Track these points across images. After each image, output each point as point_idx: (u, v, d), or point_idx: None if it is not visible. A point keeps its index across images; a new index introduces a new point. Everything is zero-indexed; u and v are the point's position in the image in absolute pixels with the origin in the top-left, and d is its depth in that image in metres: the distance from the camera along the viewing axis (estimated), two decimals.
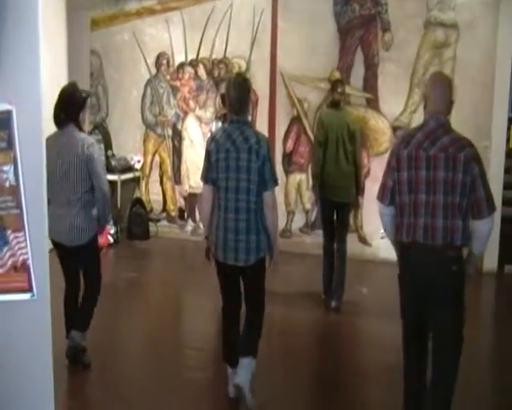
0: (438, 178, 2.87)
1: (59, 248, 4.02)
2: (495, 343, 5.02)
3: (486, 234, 2.97)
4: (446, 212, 2.87)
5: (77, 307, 4.20)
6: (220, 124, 5.53)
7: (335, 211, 5.40)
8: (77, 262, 4.10)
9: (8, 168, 1.84)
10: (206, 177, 3.56)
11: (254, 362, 3.60)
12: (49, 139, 3.81)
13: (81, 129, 4.00)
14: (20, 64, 1.86)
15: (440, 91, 3.01)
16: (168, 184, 8.00)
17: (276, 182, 3.52)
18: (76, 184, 3.90)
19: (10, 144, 1.84)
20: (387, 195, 3.09)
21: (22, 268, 1.90)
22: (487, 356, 4.76)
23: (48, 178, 3.87)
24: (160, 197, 8.05)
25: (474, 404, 3.78)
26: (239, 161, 3.42)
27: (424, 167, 2.91)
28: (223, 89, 5.88)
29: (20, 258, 1.89)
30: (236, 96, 3.48)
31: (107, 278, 6.27)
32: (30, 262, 1.89)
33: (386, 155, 6.63)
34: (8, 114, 1.83)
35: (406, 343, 3.13)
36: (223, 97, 5.68)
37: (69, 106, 3.92)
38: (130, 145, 7.95)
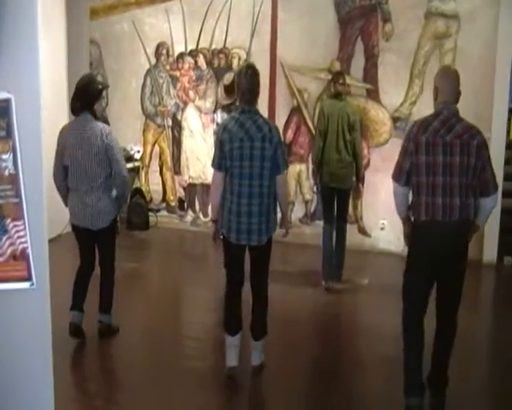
0: (454, 162, 3.23)
1: (82, 231, 4.29)
2: (493, 333, 5.03)
3: (491, 209, 3.40)
4: (462, 191, 3.25)
5: (86, 288, 4.42)
6: (225, 114, 5.62)
7: (335, 197, 5.59)
8: (98, 243, 4.40)
9: (7, 157, 1.84)
10: (219, 164, 3.69)
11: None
12: (64, 128, 4.16)
13: (96, 118, 4.22)
14: (19, 53, 1.85)
15: (451, 83, 3.35)
16: (168, 175, 8.00)
17: (287, 165, 3.84)
18: (97, 172, 4.16)
19: (9, 133, 1.83)
20: (404, 176, 3.37)
21: (21, 257, 1.90)
22: (486, 345, 4.78)
23: (67, 168, 4.11)
24: (160, 187, 8.05)
25: (473, 392, 3.80)
26: (253, 150, 3.61)
27: (441, 152, 3.24)
28: (225, 80, 5.89)
29: (20, 247, 1.89)
30: (249, 86, 3.66)
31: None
32: (29, 251, 1.89)
33: (387, 146, 6.82)
34: (7, 102, 1.82)
35: (412, 311, 3.45)
36: (227, 88, 5.68)
37: (84, 96, 4.14)
38: (130, 135, 7.93)
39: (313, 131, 7.08)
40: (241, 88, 3.66)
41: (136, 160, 7.92)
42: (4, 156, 1.83)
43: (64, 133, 4.18)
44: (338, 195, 5.58)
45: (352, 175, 5.61)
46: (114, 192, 4.28)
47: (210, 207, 3.90)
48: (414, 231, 3.45)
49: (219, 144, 3.67)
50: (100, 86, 4.30)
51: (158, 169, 8.03)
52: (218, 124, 5.60)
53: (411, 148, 3.31)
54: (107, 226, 4.29)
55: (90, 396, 3.72)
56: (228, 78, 5.95)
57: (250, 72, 3.69)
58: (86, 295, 4.40)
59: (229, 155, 3.62)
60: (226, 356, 3.87)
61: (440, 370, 3.49)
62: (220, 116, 5.72)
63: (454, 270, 3.39)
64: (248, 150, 3.60)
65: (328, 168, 5.48)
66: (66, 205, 4.31)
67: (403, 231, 3.60)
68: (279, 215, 3.91)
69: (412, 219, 3.46)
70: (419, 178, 3.30)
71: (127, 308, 5.09)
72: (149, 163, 8.05)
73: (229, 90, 5.67)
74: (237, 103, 5.46)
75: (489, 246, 6.52)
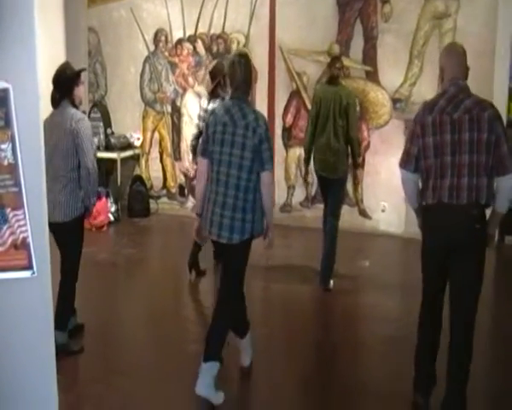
0: (463, 139, 3.00)
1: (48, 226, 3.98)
2: (494, 313, 5.05)
3: (510, 189, 3.07)
4: (472, 170, 2.99)
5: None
6: (206, 100, 5.53)
7: (327, 188, 5.37)
8: (56, 241, 3.84)
9: (6, 146, 1.84)
10: (204, 150, 3.53)
11: (216, 366, 3.49)
12: (45, 121, 3.80)
13: (74, 105, 3.98)
14: (17, 42, 1.85)
15: (457, 59, 3.19)
16: (168, 161, 7.99)
17: (272, 164, 3.48)
18: (63, 160, 3.86)
19: (8, 122, 1.84)
20: (412, 162, 3.17)
21: (22, 246, 1.91)
22: (487, 325, 4.80)
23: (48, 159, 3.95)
24: (160, 174, 8.05)
25: (474, 371, 3.82)
26: (235, 136, 3.40)
27: (449, 131, 3.03)
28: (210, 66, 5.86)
29: (20, 236, 1.91)
30: (243, 76, 3.49)
31: (108, 254, 6.37)
32: (30, 240, 1.90)
33: (386, 128, 6.81)
34: (5, 92, 1.82)
35: (426, 299, 3.30)
36: (212, 74, 5.60)
37: (60, 84, 3.93)
38: (130, 123, 7.92)
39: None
40: (236, 79, 3.48)
41: (135, 147, 7.91)
42: (3, 146, 1.83)
43: (44, 126, 3.83)
44: (329, 185, 5.31)
45: (344, 164, 5.27)
46: (82, 192, 3.93)
47: (195, 197, 3.63)
48: (423, 218, 3.24)
49: (205, 127, 3.55)
50: (75, 70, 4.01)
51: (158, 156, 8.02)
52: (205, 110, 5.40)
53: (418, 131, 3.11)
54: (67, 223, 3.88)
55: (91, 382, 3.74)
56: (213, 63, 5.97)
57: (243, 61, 3.53)
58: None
59: (211, 138, 3.47)
60: (240, 357, 3.83)
61: (456, 390, 3.18)
62: (211, 104, 5.57)
63: (466, 262, 3.07)
64: (230, 136, 3.41)
65: (319, 156, 5.24)
66: None
67: (417, 222, 3.37)
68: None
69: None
70: (427, 161, 3.09)
71: (128, 294, 5.12)
72: (149, 150, 8.04)
73: (210, 76, 5.60)
74: (220, 90, 5.45)
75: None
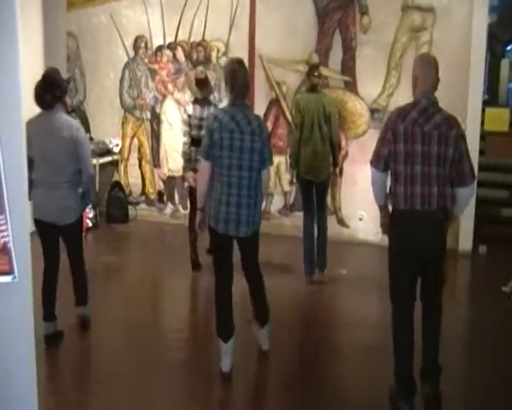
0: (432, 152, 3.26)
1: (46, 226, 4.13)
2: (469, 320, 5.14)
3: (468, 199, 3.48)
4: (439, 181, 3.29)
5: (55, 292, 4.26)
6: (198, 107, 5.67)
7: (313, 189, 5.64)
8: (66, 238, 4.29)
9: None
10: (208, 154, 3.71)
11: None
12: (31, 122, 3.85)
13: (66, 111, 4.16)
14: None
15: (430, 71, 3.39)
16: (147, 168, 7.98)
17: (272, 161, 3.98)
18: (65, 166, 4.05)
19: None
20: (382, 162, 3.39)
21: (3, 251, 1.91)
22: (462, 333, 4.88)
23: (33, 161, 3.92)
24: (139, 180, 8.04)
25: (448, 378, 3.88)
26: (243, 142, 3.69)
27: (420, 142, 3.27)
28: (199, 72, 5.95)
29: (1, 241, 1.90)
30: (244, 82, 3.76)
31: (86, 261, 6.31)
32: (11, 245, 1.90)
33: (364, 137, 6.90)
34: None
35: (401, 305, 3.45)
36: (199, 81, 5.73)
37: (54, 86, 4.00)
38: (109, 129, 7.90)
39: (292, 124, 7.13)
40: (238, 85, 3.71)
41: (114, 153, 7.89)
42: None
43: (33, 124, 3.88)
44: (316, 187, 5.62)
45: (329, 167, 5.65)
46: (80, 189, 4.19)
47: (197, 195, 3.86)
48: (393, 221, 3.44)
49: (209, 133, 3.69)
50: (66, 78, 4.30)
51: (137, 162, 8.01)
52: (189, 115, 5.61)
53: (389, 136, 3.31)
54: (74, 222, 4.21)
55: (71, 390, 3.73)
56: (202, 71, 6.02)
57: (243, 68, 3.82)
58: (56, 299, 4.26)
59: (218, 144, 3.65)
60: (221, 361, 3.82)
61: (431, 355, 3.46)
62: (192, 108, 5.69)
63: (435, 259, 3.42)
64: (238, 142, 3.67)
65: (305, 161, 5.49)
66: (30, 198, 4.00)
67: (380, 219, 3.62)
68: None
69: (390, 207, 3.48)
70: (397, 165, 3.31)
71: (107, 301, 5.10)
72: (128, 156, 8.02)
73: (202, 83, 5.76)
74: (211, 97, 5.74)
75: (465, 235, 6.64)
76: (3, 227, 1.89)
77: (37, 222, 4.15)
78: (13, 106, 1.87)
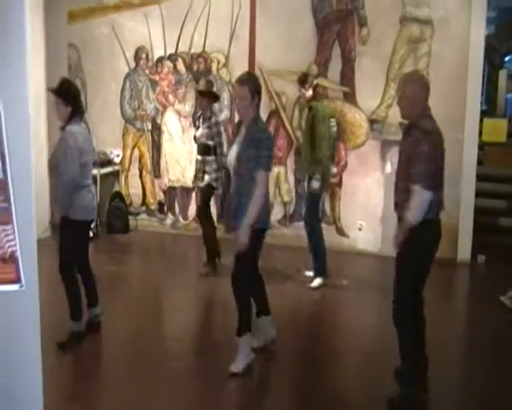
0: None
1: (89, 225, 4.61)
2: (468, 330, 5.17)
3: None
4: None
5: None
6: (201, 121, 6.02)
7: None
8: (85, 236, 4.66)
9: None
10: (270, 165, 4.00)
11: None
12: (78, 132, 4.26)
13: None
14: (7, 61, 1.90)
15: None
16: (147, 178, 8.03)
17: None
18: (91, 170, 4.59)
19: None
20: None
21: (10, 260, 1.94)
22: (461, 342, 4.91)
23: (86, 166, 4.29)
24: (140, 191, 8.08)
25: (449, 388, 3.91)
26: None
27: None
28: (201, 85, 6.14)
29: (9, 250, 1.94)
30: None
31: None
32: (18, 254, 1.94)
33: (363, 148, 6.92)
34: None
35: (415, 292, 3.59)
36: (207, 94, 5.91)
37: (76, 99, 4.39)
38: (110, 139, 7.95)
39: (291, 134, 7.20)
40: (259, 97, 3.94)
41: (115, 164, 7.94)
42: None
43: (81, 132, 4.29)
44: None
45: None
46: None
47: (254, 210, 3.86)
48: (424, 231, 3.49)
49: (271, 146, 4.05)
50: None
51: (138, 173, 8.05)
52: (198, 127, 5.91)
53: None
54: None
55: (75, 397, 3.75)
56: (202, 83, 6.19)
57: None
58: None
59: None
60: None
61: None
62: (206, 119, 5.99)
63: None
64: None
65: (329, 168, 5.84)
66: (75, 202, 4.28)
67: (400, 234, 3.56)
68: None
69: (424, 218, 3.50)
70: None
71: (108, 311, 5.11)
72: (129, 167, 8.07)
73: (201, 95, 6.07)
74: (213, 108, 6.06)
75: (463, 245, 6.68)
76: (11, 237, 1.92)
77: (84, 224, 4.44)
78: (21, 119, 1.92)
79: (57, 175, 4.33)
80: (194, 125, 6.37)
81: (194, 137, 6.21)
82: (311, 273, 5.80)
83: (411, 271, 3.52)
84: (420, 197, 3.40)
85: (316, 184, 5.58)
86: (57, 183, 4.38)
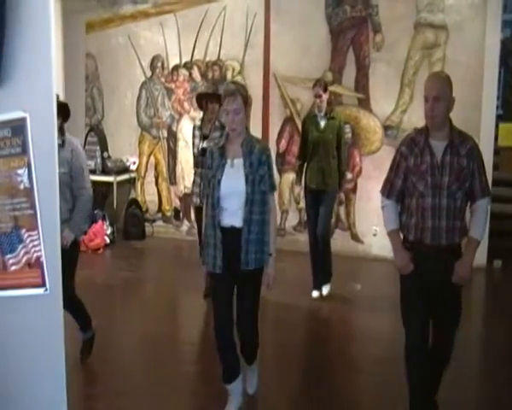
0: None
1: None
2: (484, 336, 5.15)
3: None
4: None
5: None
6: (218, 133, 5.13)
7: None
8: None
9: (23, 172, 1.95)
10: None
11: None
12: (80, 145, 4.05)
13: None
14: (34, 72, 1.96)
15: None
16: (163, 185, 8.10)
17: None
18: None
19: (25, 149, 1.95)
20: None
21: (36, 265, 2.01)
22: (477, 348, 4.90)
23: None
24: (156, 198, 8.15)
25: (464, 395, 3.91)
26: None
27: None
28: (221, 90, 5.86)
29: (34, 255, 2.01)
30: None
31: (104, 277, 6.44)
32: (43, 259, 2.00)
33: (378, 154, 6.95)
34: (23, 121, 1.94)
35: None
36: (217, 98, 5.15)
37: (67, 112, 4.05)
38: (126, 147, 8.04)
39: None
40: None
41: (131, 171, 8.02)
42: (20, 171, 1.94)
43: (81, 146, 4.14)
44: None
45: None
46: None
47: (275, 240, 3.53)
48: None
49: None
50: None
51: (153, 180, 8.13)
52: (204, 137, 5.42)
53: None
54: None
55: (90, 400, 3.80)
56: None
57: None
58: None
59: None
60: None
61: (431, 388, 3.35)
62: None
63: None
64: None
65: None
66: None
67: (469, 262, 3.28)
68: None
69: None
70: None
71: (124, 315, 5.19)
72: (145, 174, 8.15)
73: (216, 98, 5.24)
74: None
75: (479, 250, 6.57)
76: (36, 242, 1.99)
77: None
78: (47, 131, 1.98)
79: (67, 194, 3.87)
80: (202, 137, 5.47)
81: (203, 150, 5.15)
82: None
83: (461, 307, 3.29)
84: (486, 210, 3.20)
85: (342, 196, 5.65)
86: (66, 202, 3.84)
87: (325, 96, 5.56)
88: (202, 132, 5.44)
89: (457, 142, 3.17)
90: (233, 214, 3.32)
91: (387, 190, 3.30)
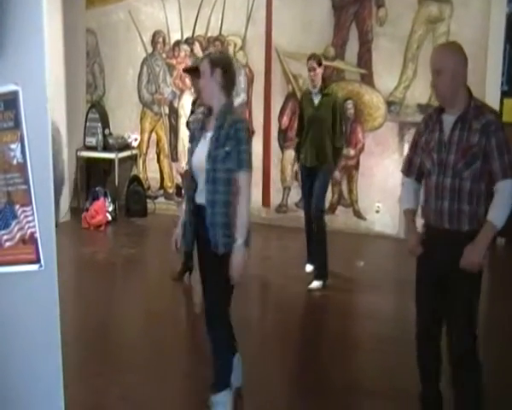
0: None
1: None
2: (487, 313, 5.14)
3: None
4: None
5: None
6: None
7: None
8: None
9: (16, 146, 1.93)
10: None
11: None
12: None
13: None
14: (26, 45, 1.93)
15: None
16: (165, 162, 8.08)
17: None
18: None
19: (17, 124, 1.92)
20: None
21: (30, 241, 2.00)
22: (483, 324, 4.88)
23: None
24: (158, 175, 8.13)
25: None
26: None
27: None
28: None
29: (28, 231, 1.99)
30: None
31: (107, 254, 6.45)
32: (37, 235, 1.99)
33: (381, 130, 6.87)
34: (15, 94, 1.91)
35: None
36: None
37: None
38: (127, 123, 8.00)
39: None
40: (235, 80, 3.24)
41: (133, 148, 7.99)
42: (13, 146, 1.92)
43: None
44: None
45: None
46: None
47: (245, 224, 3.09)
48: None
49: (251, 139, 3.24)
50: None
51: (155, 157, 8.11)
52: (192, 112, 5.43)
53: None
54: None
55: (93, 376, 3.81)
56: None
57: None
58: None
59: None
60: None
61: None
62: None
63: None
64: None
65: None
66: None
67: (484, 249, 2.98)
68: None
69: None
70: None
71: (126, 292, 5.20)
72: (147, 151, 8.12)
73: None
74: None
75: None
76: (30, 218, 1.98)
77: None
78: (39, 105, 1.95)
79: None
80: (192, 112, 5.46)
81: (187, 123, 5.41)
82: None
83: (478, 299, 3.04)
84: (509, 194, 2.84)
85: (337, 174, 5.58)
86: None
87: (319, 70, 5.37)
88: (194, 107, 5.35)
89: (471, 115, 2.83)
90: (200, 192, 3.08)
91: (406, 168, 3.16)
